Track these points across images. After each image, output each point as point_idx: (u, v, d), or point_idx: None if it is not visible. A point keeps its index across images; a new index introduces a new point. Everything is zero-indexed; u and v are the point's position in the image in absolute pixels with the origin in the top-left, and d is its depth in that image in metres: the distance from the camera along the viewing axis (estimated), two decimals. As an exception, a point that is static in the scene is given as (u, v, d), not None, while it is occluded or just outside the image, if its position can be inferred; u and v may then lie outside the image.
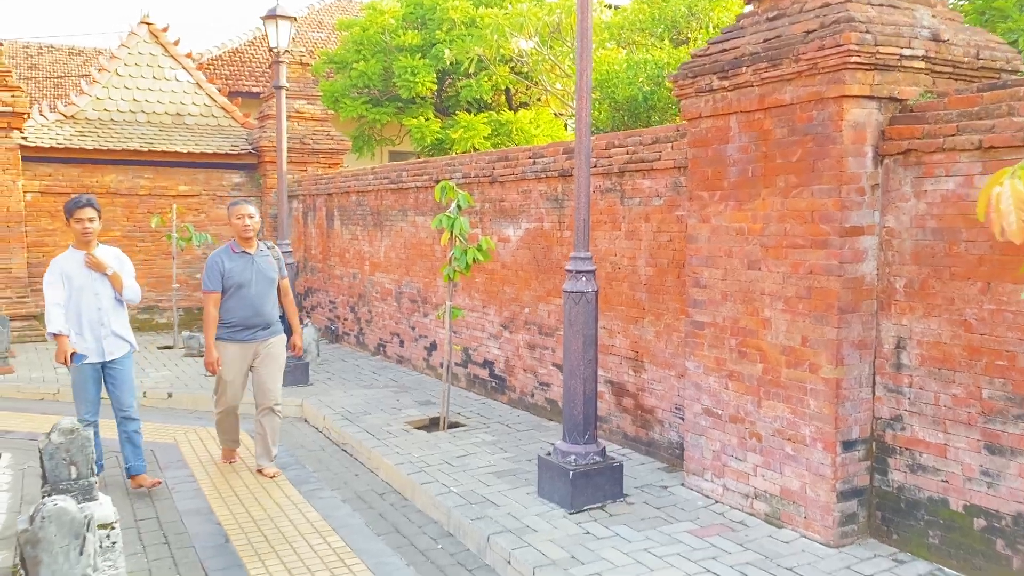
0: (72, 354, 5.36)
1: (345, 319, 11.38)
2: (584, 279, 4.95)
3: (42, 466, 4.28)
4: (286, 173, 13.44)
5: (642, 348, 6.01)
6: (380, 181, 10.06)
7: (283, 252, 8.62)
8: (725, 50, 4.82)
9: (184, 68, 13.97)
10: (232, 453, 6.36)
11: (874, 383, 4.40)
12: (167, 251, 12.36)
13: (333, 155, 13.72)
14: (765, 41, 4.56)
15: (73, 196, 5.65)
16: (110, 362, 5.62)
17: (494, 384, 7.92)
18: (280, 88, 8.86)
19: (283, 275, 6.07)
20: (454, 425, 6.98)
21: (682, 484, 5.31)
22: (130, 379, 5.76)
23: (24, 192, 11.87)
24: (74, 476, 4.32)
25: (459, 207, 6.73)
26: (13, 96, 11.49)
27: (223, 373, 5.83)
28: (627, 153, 6.06)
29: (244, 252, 5.83)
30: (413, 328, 9.47)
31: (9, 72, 11.54)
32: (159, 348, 11.27)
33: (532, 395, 7.35)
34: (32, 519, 3.00)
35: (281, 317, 6.12)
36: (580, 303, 4.93)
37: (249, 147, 13.46)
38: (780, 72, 4.43)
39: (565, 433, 5.06)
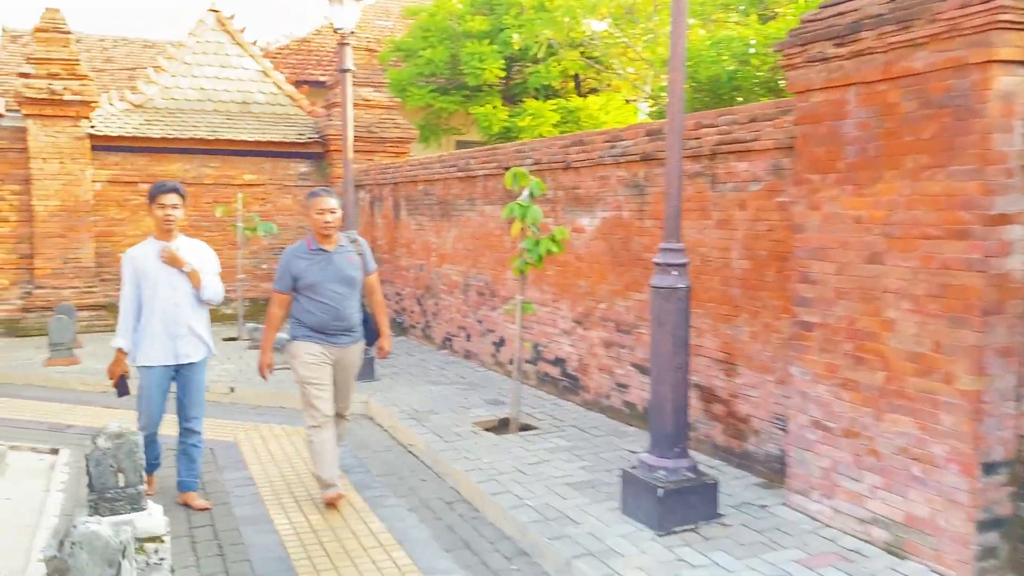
0: (121, 377, 5.07)
1: (411, 312, 11.03)
2: (675, 273, 4.43)
3: (88, 473, 3.98)
4: (352, 162, 13.18)
5: (735, 349, 5.45)
6: (447, 169, 9.66)
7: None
8: (841, 13, 4.22)
9: (251, 56, 13.81)
10: (335, 494, 5.12)
11: (1020, 397, 3.77)
12: (233, 241, 12.20)
13: (400, 144, 13.39)
14: (891, 0, 3.95)
15: (158, 181, 5.21)
16: (183, 366, 5.12)
17: (566, 383, 7.44)
18: (346, 71, 8.50)
19: (369, 270, 5.28)
20: (525, 428, 6.52)
21: (783, 503, 4.74)
22: (202, 388, 5.29)
23: (93, 181, 11.84)
24: (121, 484, 4.00)
25: (532, 195, 6.26)
26: (82, 85, 11.44)
27: (308, 375, 5.02)
28: (719, 133, 5.49)
29: (321, 250, 5.02)
30: (480, 322, 9.05)
31: (78, 61, 11.51)
32: (224, 340, 11.11)
33: (608, 396, 6.85)
34: (61, 544, 2.65)
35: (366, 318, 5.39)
36: (671, 300, 4.41)
37: (315, 135, 13.22)
38: (911, 36, 3.82)
39: (652, 445, 4.55)
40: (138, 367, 5.05)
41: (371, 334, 5.39)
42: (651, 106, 13.19)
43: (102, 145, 11.90)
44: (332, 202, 5.00)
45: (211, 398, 8.20)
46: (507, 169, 8.17)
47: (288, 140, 13.02)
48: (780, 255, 5.03)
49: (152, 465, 5.33)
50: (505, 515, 4.76)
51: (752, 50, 8.89)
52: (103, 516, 3.89)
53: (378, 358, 5.75)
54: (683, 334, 4.43)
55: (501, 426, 6.64)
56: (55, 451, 6.56)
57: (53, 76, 11.27)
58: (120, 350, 5.01)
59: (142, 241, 5.16)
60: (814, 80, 4.42)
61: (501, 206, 8.45)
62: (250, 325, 10.71)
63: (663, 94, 11.00)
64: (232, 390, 8.23)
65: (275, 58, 17.40)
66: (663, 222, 4.52)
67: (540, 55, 15.40)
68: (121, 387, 5.14)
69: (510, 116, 17.05)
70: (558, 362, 7.56)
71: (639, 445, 5.96)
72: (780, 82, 8.95)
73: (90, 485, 3.99)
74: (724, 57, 8.84)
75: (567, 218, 7.34)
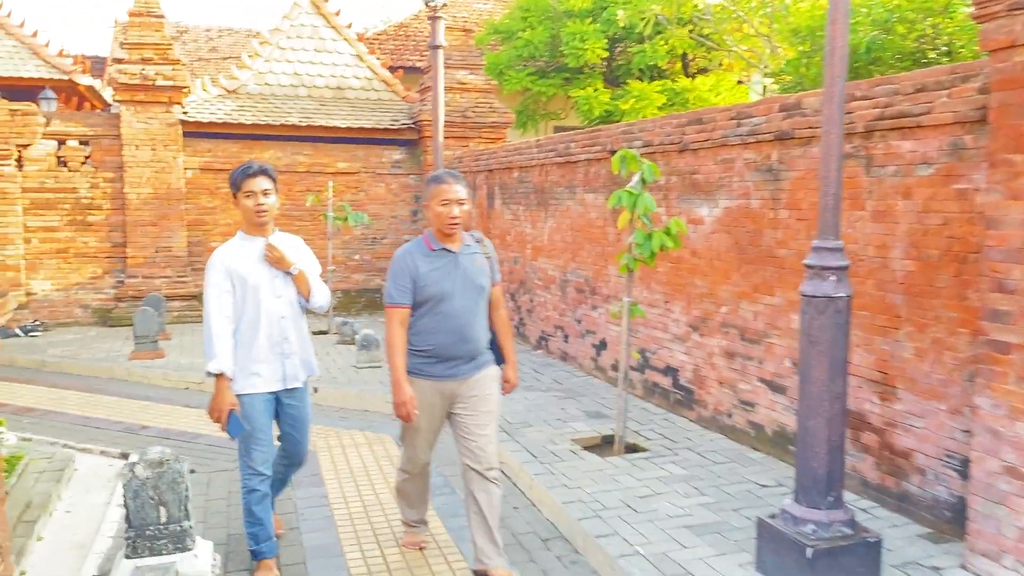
0: (230, 413, 3.77)
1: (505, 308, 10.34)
2: (833, 279, 3.54)
3: (125, 506, 3.41)
4: (444, 148, 12.58)
5: (894, 369, 4.49)
6: (545, 155, 8.89)
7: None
8: (1065, -58, 3.23)
9: (345, 40, 13.37)
10: (418, 539, 4.42)
11: None
12: (323, 231, 11.80)
13: (496, 129, 12.72)
14: None
15: (241, 164, 4.14)
16: (289, 391, 4.07)
17: (679, 396, 6.58)
18: (437, 48, 7.85)
19: (496, 279, 4.09)
20: (632, 448, 5.71)
21: (962, 566, 3.79)
22: (308, 418, 4.25)
23: (184, 169, 11.62)
24: (163, 520, 3.43)
25: (643, 181, 5.42)
26: (174, 70, 11.20)
27: (413, 424, 3.90)
28: (876, 107, 4.53)
29: (445, 250, 3.85)
30: (579, 322, 8.26)
31: (171, 46, 11.27)
32: (313, 333, 10.69)
33: (730, 415, 5.95)
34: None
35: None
36: (827, 313, 3.52)
37: (409, 121, 12.68)
38: None
39: (799, 491, 3.68)
40: (238, 396, 3.87)
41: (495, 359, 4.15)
42: (774, 83, 12.06)
43: (194, 131, 11.66)
44: (461, 190, 3.81)
45: (293, 399, 7.75)
46: (612, 153, 7.34)
47: (382, 126, 12.52)
48: (958, 255, 4.05)
49: (265, 548, 4.05)
50: (613, 566, 3.97)
51: (895, 16, 7.75)
52: (142, 557, 3.33)
53: (502, 393, 4.12)
54: (842, 356, 3.54)
55: (604, 444, 5.85)
56: (125, 456, 6.16)
57: (146, 61, 11.07)
58: (222, 376, 3.76)
59: (230, 240, 4.09)
60: (1019, 34, 3.44)
61: (605, 194, 7.64)
62: (339, 319, 10.24)
63: (785, 72, 9.90)
64: (315, 391, 7.71)
65: (371, 44, 17.00)
66: (817, 213, 3.62)
67: (646, 33, 14.43)
68: (233, 424, 3.78)
69: (612, 99, 16.20)
70: (669, 371, 6.71)
71: (770, 477, 5.07)
72: (931, 53, 7.77)
73: (128, 520, 3.42)
74: (862, 24, 7.74)
75: (682, 208, 6.46)
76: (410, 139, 12.86)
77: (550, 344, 8.98)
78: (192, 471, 5.76)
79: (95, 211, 11.20)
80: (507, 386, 4.13)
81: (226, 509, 5.06)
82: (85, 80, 16.21)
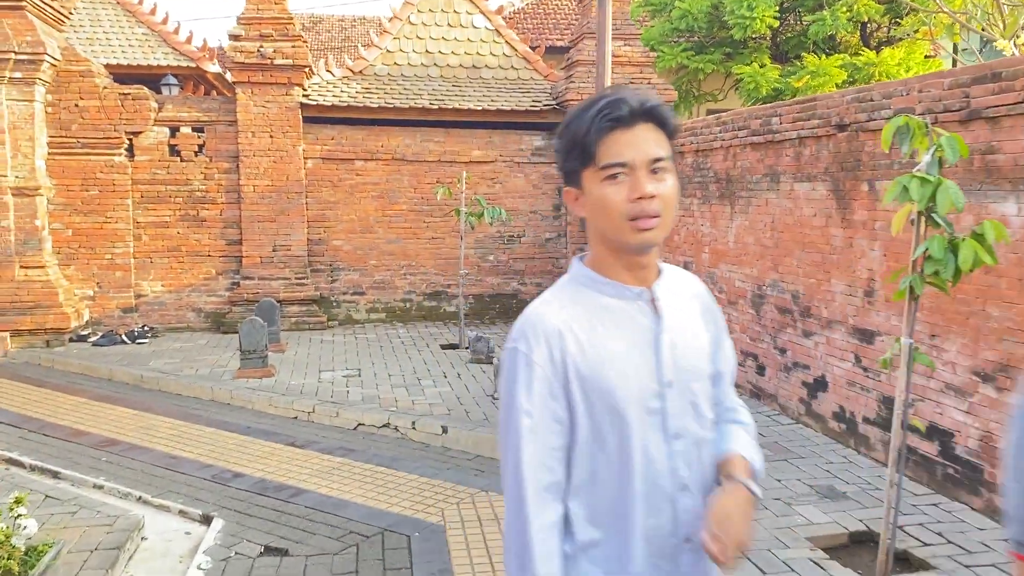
0: None
1: (670, 323, 8.54)
2: None
3: None
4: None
5: None
6: (732, 134, 7.03)
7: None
8: None
9: (482, 12, 11.85)
10: None
11: None
12: (455, 229, 10.36)
13: (654, 108, 10.86)
14: None
15: (592, 97, 1.59)
16: None
17: (952, 473, 4.62)
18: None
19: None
20: (903, 560, 3.85)
21: None
22: None
23: (304, 158, 10.42)
24: None
25: (939, 163, 3.54)
26: (294, 47, 9.99)
27: None
28: None
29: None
30: (782, 351, 6.37)
31: (291, 20, 10.07)
32: (442, 347, 9.24)
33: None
34: None
35: None
36: None
37: (554, 102, 11.04)
38: None
39: None
40: None
41: None
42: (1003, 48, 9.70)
43: (314, 116, 10.43)
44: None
45: (418, 438, 6.27)
46: (841, 127, 5.44)
47: (522, 108, 10.93)
48: None
49: None
50: None
51: None
52: None
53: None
54: None
55: (854, 547, 4.02)
56: (207, 520, 4.81)
57: (264, 38, 9.90)
58: None
59: (554, 288, 1.66)
60: None
61: (826, 184, 5.73)
62: (472, 332, 8.72)
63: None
64: (445, 431, 6.19)
65: (510, 22, 15.48)
66: None
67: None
68: None
69: (781, 76, 14.09)
70: (938, 435, 4.75)
71: None
72: None
73: None
74: None
75: (970, 202, 4.50)
76: (553, 123, 11.22)
77: (737, 375, 7.13)
78: (284, 552, 4.33)
79: (209, 205, 10.16)
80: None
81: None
82: (214, 68, 15.47)
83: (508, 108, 10.88)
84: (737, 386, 6.89)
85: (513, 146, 11.09)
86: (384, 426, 6.41)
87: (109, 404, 7.24)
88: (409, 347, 9.26)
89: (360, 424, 6.52)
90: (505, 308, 11.17)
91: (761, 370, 6.67)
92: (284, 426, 6.64)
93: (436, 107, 10.68)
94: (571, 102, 10.65)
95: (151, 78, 13.35)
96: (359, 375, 7.89)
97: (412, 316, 10.92)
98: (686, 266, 8.10)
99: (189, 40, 15.97)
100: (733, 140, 7.08)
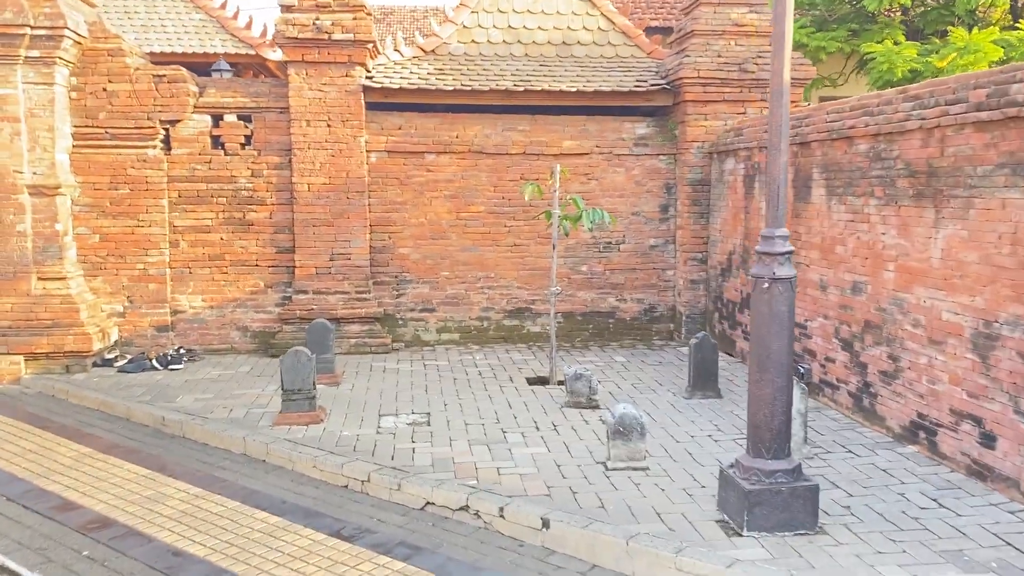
0: None
1: (829, 358, 6.62)
2: None
3: None
4: (712, 117, 9.14)
5: None
6: (939, 110, 5.11)
7: (777, 252, 4.22)
8: None
9: (573, -20, 10.09)
10: None
11: None
12: (546, 235, 8.63)
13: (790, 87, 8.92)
14: None
15: None
16: None
17: None
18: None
19: None
20: None
21: None
22: None
23: (367, 151, 8.83)
24: None
25: None
26: (355, 19, 8.40)
27: None
28: None
29: None
30: (1029, 416, 4.44)
31: (352, -14, 8.48)
32: (528, 381, 7.52)
33: None
34: None
35: None
36: None
37: (662, 81, 9.22)
38: None
39: None
40: None
41: None
42: None
43: (379, 102, 8.84)
44: None
45: (507, 530, 4.54)
46: None
47: (623, 90, 9.13)
48: None
49: None
50: None
51: None
52: None
53: None
54: None
55: None
56: None
57: (321, 8, 8.34)
58: None
59: None
60: None
61: None
62: (569, 369, 6.92)
63: None
64: (546, 525, 4.43)
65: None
66: None
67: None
68: None
69: (919, 55, 12.03)
70: None
71: None
72: None
73: None
74: None
75: None
76: (660, 106, 9.40)
77: (940, 440, 5.19)
78: None
79: (256, 207, 8.65)
80: None
81: None
82: (275, 55, 14.07)
83: (608, 89, 9.09)
84: (947, 459, 4.94)
85: (612, 135, 9.30)
86: (461, 508, 4.72)
87: (116, 459, 5.74)
88: (488, 380, 7.56)
89: (429, 503, 4.84)
90: (600, 329, 9.38)
91: (990, 439, 4.74)
92: (330, 499, 5.01)
93: (521, 89, 8.97)
94: (686, 81, 8.82)
95: (207, 68, 11.98)
96: (428, 423, 6.23)
97: (489, 337, 9.23)
98: (856, 288, 6.19)
99: (249, 26, 14.68)
100: (931, 121, 5.16)
